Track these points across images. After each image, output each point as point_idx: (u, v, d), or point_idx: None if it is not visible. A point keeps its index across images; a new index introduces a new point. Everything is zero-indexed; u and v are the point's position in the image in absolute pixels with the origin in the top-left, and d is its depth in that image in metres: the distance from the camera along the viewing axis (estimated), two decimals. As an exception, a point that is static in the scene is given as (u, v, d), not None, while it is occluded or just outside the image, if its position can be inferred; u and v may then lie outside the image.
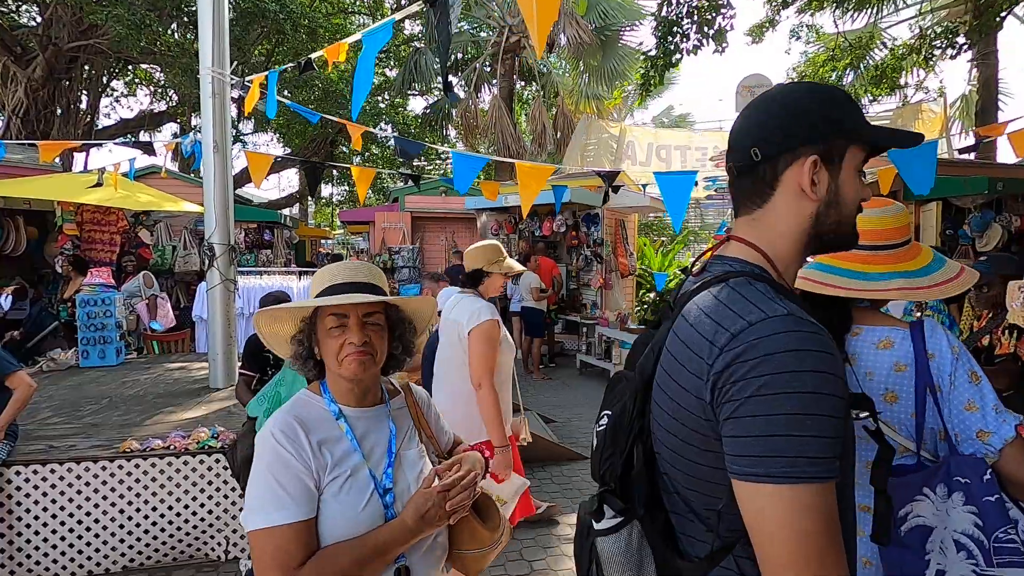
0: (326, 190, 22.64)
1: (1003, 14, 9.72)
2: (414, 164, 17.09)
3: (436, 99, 16.69)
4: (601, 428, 0.98)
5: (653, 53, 5.18)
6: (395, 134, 11.67)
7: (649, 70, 5.22)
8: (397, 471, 1.20)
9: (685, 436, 0.82)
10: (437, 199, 11.00)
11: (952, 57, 10.08)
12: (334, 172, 17.83)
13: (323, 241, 21.99)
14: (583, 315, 8.55)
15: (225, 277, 4.47)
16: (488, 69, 15.36)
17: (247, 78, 4.01)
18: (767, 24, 10.20)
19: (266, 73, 3.67)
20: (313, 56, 3.36)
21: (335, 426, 1.16)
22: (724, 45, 4.91)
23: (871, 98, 11.09)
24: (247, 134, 16.69)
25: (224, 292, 4.49)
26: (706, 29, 4.65)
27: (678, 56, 4.91)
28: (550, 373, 7.81)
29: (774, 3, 9.76)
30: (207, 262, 4.47)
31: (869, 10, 10.38)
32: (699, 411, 0.79)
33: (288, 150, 14.59)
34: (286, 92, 12.27)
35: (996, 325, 2.67)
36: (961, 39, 11.49)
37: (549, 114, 13.34)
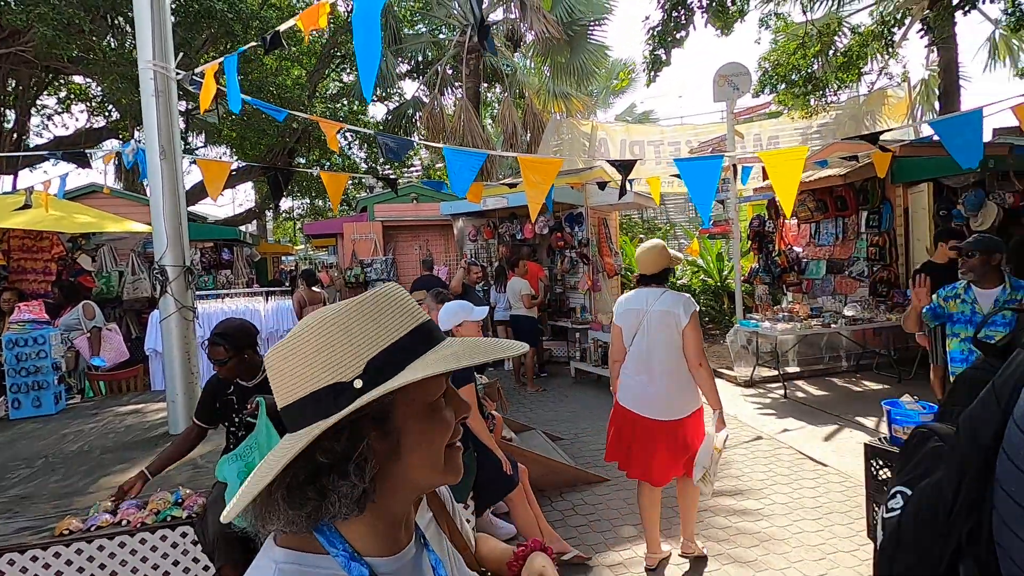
0: (286, 203, 21.67)
1: (960, 11, 9.82)
2: (384, 170, 16.41)
3: (397, 104, 16.10)
4: (893, 515, 0.63)
5: (659, 28, 4.84)
6: (379, 130, 11.02)
7: (656, 48, 4.86)
8: None
9: None
10: (408, 207, 10.42)
11: (920, 36, 10.13)
12: (294, 185, 16.98)
13: (285, 257, 21.03)
14: (573, 320, 8.13)
15: (181, 304, 3.83)
16: (451, 71, 14.90)
17: (197, 69, 3.41)
18: (736, 14, 10.08)
19: (220, 60, 3.09)
20: (282, 27, 2.79)
21: None
22: (729, 29, 4.56)
23: (839, 85, 11.10)
24: (198, 148, 15.70)
25: (181, 321, 3.85)
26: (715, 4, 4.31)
27: (683, 34, 4.57)
28: (542, 383, 7.34)
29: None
30: (159, 287, 3.82)
31: (834, -3, 10.39)
32: None
33: (244, 164, 13.72)
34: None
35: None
36: (917, 26, 11.67)
37: (519, 115, 12.93)
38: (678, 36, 4.70)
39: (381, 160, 16.68)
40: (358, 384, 0.64)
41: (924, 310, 3.44)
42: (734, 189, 8.02)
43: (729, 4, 4.43)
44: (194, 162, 10.79)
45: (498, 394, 3.49)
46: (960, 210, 6.61)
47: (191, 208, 14.54)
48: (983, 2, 10.51)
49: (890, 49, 11.75)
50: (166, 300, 3.79)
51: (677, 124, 16.25)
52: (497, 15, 13.28)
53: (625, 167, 3.66)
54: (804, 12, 10.42)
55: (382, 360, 0.65)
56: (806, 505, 3.71)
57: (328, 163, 16.96)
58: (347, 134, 16.74)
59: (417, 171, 21.81)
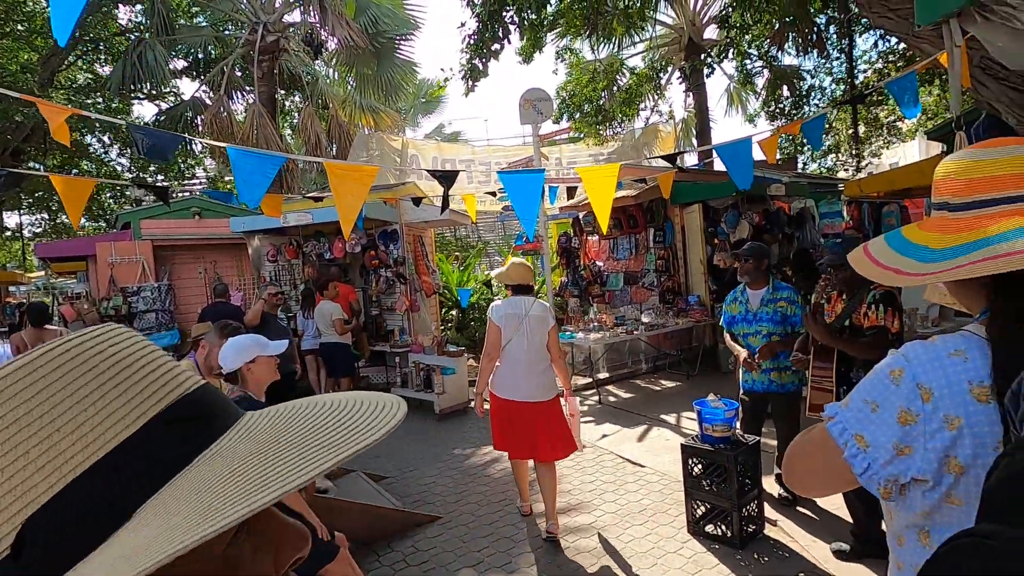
0: (11, 219, 17.03)
1: (707, 69, 11.95)
2: (157, 180, 13.85)
3: (173, 104, 13.83)
4: None
5: (476, 38, 4.73)
6: (135, 122, 9.11)
7: (473, 57, 4.73)
8: None
9: None
10: (188, 223, 8.85)
11: (680, 82, 12.00)
12: (21, 195, 13.37)
13: (13, 288, 16.53)
14: (392, 343, 7.63)
15: None
16: (240, 73, 13.33)
17: None
18: (535, 46, 10.75)
19: None
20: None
21: None
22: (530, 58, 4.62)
23: (623, 117, 12.56)
24: None
25: None
26: (524, 18, 4.36)
27: (498, 47, 4.53)
28: (362, 416, 6.70)
29: (541, 26, 10.33)
30: None
31: (615, 40, 11.74)
32: None
33: (-62, 165, 10.31)
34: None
35: (859, 303, 2.75)
36: (678, 73, 13.87)
37: (323, 126, 12.02)
38: (494, 48, 4.70)
39: (153, 168, 14.11)
40: None
41: (722, 320, 3.86)
42: (543, 207, 8.40)
43: (539, 25, 4.62)
44: None
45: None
46: (723, 227, 7.82)
47: None
48: (721, 61, 12.88)
49: (658, 91, 13.74)
50: None
51: (486, 145, 16.85)
52: (294, 16, 12.25)
53: (447, 178, 3.41)
54: (593, 50, 11.60)
55: (58, 520, 0.30)
56: (632, 510, 3.82)
57: (77, 170, 13.78)
58: (106, 135, 13.84)
59: (202, 183, 19.05)
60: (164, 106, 14.21)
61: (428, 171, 3.53)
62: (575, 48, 11.91)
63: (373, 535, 3.59)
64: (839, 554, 3.05)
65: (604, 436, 5.40)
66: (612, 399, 6.76)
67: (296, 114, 16.09)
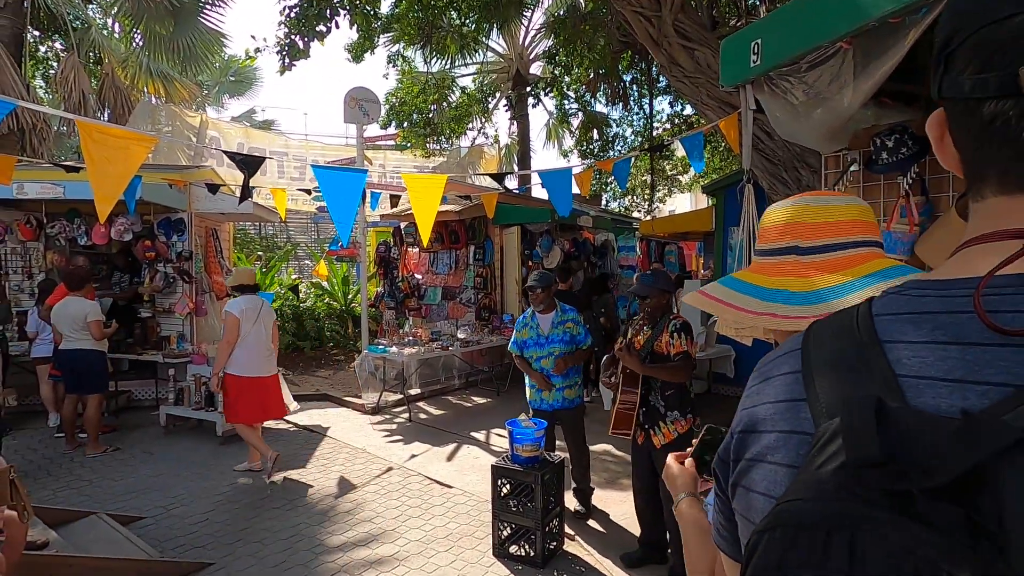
0: None
1: (532, 102, 12.77)
2: None
3: None
4: None
5: (297, 11, 4.15)
6: None
7: (293, 32, 4.14)
8: None
9: None
10: None
11: (505, 110, 12.53)
12: None
13: None
14: (167, 351, 6.42)
15: None
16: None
17: None
18: (367, 45, 10.26)
19: None
20: None
21: None
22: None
23: (451, 134, 12.66)
24: None
25: None
26: (357, 6, 3.98)
27: (323, 28, 4.06)
28: (115, 440, 5.48)
29: (373, 27, 9.88)
30: None
31: (448, 57, 11.82)
32: None
33: None
34: None
35: (661, 331, 2.99)
36: (504, 102, 14.55)
37: (93, 84, 9.86)
38: (318, 29, 4.23)
39: None
40: None
41: (511, 346, 3.93)
42: (363, 213, 7.95)
43: (372, 15, 4.32)
44: None
45: (12, 490, 2.12)
46: (538, 250, 8.26)
47: None
48: (546, 95, 13.86)
49: (486, 114, 14.20)
50: None
51: (303, 140, 15.60)
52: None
53: (248, 165, 2.91)
54: (426, 62, 11.50)
55: None
56: (438, 536, 3.66)
57: None
58: None
59: None
60: None
61: (226, 153, 2.98)
62: (408, 56, 11.67)
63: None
64: (626, 558, 3.27)
65: (413, 456, 5.17)
66: (423, 416, 6.57)
67: (56, 64, 13.01)
